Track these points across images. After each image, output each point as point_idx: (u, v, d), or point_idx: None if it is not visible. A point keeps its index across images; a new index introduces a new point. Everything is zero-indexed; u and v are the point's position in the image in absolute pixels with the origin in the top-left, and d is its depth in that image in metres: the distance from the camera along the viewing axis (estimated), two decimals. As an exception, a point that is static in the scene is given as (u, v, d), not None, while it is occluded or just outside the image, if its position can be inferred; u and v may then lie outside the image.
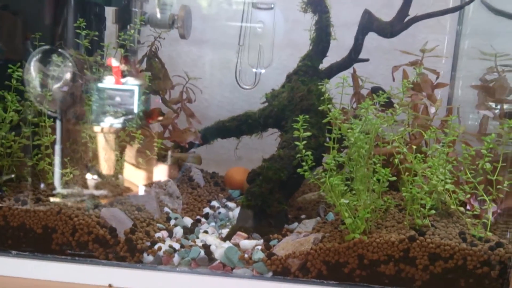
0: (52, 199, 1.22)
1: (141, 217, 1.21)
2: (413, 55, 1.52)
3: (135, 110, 1.42)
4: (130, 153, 1.44)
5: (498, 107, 1.45)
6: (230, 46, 1.73)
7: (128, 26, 1.71)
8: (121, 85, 1.47)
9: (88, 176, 1.36)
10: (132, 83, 1.48)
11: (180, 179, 1.50)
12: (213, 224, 1.31)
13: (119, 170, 1.37)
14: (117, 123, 1.41)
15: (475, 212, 1.11)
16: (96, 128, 1.40)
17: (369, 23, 1.47)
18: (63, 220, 1.13)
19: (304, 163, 1.12)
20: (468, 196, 1.13)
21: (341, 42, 1.49)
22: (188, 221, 1.29)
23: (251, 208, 1.21)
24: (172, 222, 1.27)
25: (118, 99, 1.45)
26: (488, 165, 1.04)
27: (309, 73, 1.49)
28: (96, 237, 1.12)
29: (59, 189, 1.29)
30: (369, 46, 1.50)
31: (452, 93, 1.60)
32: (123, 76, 1.50)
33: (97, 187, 1.32)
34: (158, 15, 1.74)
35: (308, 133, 1.14)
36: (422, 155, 1.18)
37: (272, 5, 1.56)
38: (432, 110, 1.48)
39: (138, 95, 1.45)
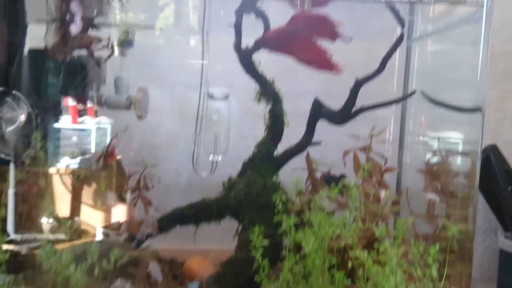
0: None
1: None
2: (363, 140, 1.60)
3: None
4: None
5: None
6: (188, 115, 1.76)
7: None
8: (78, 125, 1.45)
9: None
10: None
11: (137, 277, 1.48)
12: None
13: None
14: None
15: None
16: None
17: (319, 112, 1.54)
18: None
19: (261, 270, 1.15)
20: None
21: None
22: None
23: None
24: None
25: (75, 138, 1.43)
26: (434, 274, 1.09)
27: (264, 160, 1.53)
28: None
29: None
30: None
31: (401, 174, 1.68)
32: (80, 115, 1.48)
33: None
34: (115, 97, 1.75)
35: (265, 242, 1.16)
36: (374, 252, 1.22)
37: (227, 95, 1.61)
38: (382, 194, 1.55)
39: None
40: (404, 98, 1.56)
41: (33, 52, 1.54)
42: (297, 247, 1.26)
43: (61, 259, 1.22)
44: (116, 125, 1.72)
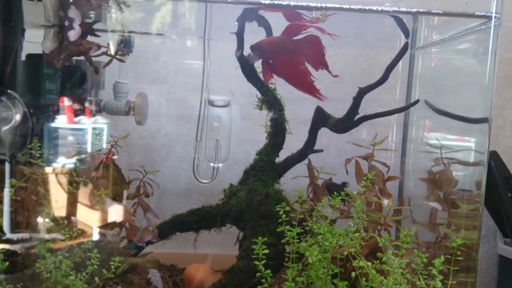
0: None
1: None
2: (365, 147, 1.59)
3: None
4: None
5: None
6: (187, 119, 1.75)
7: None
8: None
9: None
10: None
11: (137, 284, 1.46)
12: None
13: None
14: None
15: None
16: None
17: (321, 120, 1.53)
18: None
19: (264, 280, 1.13)
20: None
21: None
22: None
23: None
24: None
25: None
26: (439, 285, 1.08)
27: (266, 168, 1.52)
28: None
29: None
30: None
31: (403, 182, 1.68)
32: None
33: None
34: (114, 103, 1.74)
35: (266, 251, 1.15)
36: (377, 262, 1.21)
37: (228, 103, 1.59)
38: (385, 202, 1.54)
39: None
40: (407, 107, 1.55)
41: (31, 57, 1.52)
42: (300, 256, 1.25)
43: (60, 266, 1.20)
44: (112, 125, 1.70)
